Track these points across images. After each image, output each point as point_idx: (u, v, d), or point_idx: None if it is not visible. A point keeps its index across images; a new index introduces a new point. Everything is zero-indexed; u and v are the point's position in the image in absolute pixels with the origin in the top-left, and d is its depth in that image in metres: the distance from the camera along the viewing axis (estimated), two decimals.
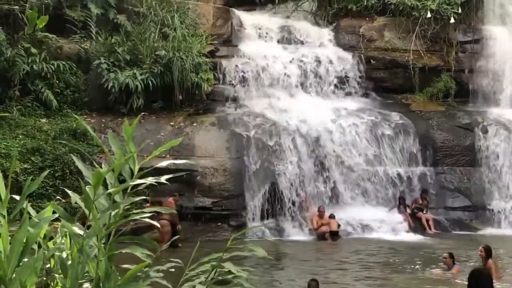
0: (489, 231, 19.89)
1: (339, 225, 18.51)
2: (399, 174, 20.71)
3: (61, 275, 3.70)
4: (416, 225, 19.63)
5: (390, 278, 13.46)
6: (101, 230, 3.59)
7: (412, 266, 14.58)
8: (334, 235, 18.20)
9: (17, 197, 3.71)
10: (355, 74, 23.15)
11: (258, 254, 3.94)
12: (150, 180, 3.70)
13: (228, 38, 23.00)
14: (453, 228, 19.95)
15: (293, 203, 19.24)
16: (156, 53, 20.35)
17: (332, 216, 18.55)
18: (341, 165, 20.25)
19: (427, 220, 19.63)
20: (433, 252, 16.12)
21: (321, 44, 23.82)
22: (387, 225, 19.22)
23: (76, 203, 3.69)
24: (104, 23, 21.07)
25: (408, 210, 19.98)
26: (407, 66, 23.23)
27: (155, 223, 4.35)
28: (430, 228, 19.47)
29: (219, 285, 3.78)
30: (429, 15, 23.23)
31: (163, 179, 3.79)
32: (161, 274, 3.85)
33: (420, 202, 20.06)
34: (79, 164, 3.79)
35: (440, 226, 19.84)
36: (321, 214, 18.66)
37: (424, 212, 19.93)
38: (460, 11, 23.49)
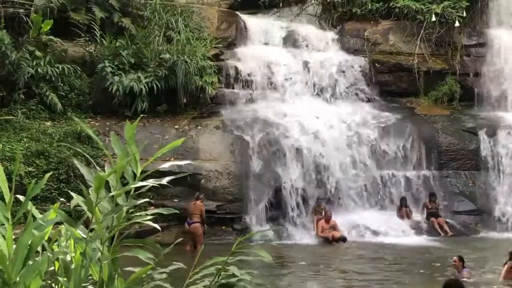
0: (494, 235, 19.81)
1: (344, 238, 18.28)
2: (403, 178, 20.65)
3: (65, 279, 3.69)
4: (426, 228, 19.53)
5: (400, 282, 13.41)
6: (104, 233, 3.58)
7: (422, 270, 14.52)
8: (342, 240, 18.03)
9: (22, 198, 3.71)
10: (359, 77, 23.13)
11: (263, 259, 3.93)
12: (152, 182, 3.69)
13: (232, 41, 23.04)
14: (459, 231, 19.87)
15: (297, 207, 19.19)
16: (161, 56, 20.38)
17: (334, 228, 18.44)
18: (345, 169, 20.20)
19: (440, 225, 19.50)
20: (442, 255, 16.04)
21: (325, 48, 23.81)
22: (393, 229, 19.15)
23: (79, 206, 3.69)
24: (108, 26, 21.11)
25: (422, 215, 19.91)
26: (411, 70, 23.21)
27: (156, 226, 4.32)
28: (446, 233, 19.29)
29: None
30: (434, 18, 23.22)
31: (165, 181, 3.78)
32: (164, 276, 3.84)
33: (430, 206, 19.95)
34: (81, 167, 3.78)
35: (455, 229, 19.71)
36: (327, 219, 18.55)
37: (440, 214, 19.83)
38: (465, 14, 23.47)
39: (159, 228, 4.46)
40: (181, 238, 14.07)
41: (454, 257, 13.65)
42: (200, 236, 16.73)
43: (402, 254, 16.58)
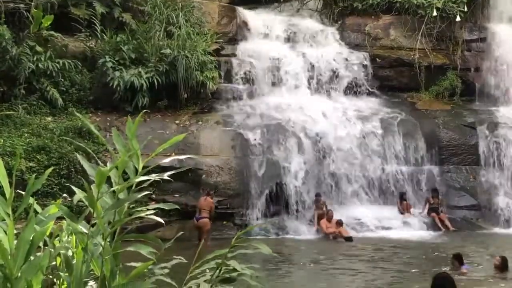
0: (495, 230, 19.82)
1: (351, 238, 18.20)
2: (404, 173, 20.64)
3: (67, 274, 3.69)
4: (427, 223, 19.54)
5: (399, 277, 13.41)
6: (106, 228, 3.58)
7: (421, 266, 14.52)
8: (348, 239, 17.94)
9: (23, 193, 3.71)
10: (360, 72, 23.10)
11: (263, 252, 3.93)
12: (153, 176, 3.69)
13: (233, 36, 23.01)
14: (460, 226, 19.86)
15: (298, 202, 19.20)
16: (161, 51, 20.35)
17: (340, 223, 18.36)
18: (346, 164, 20.20)
19: (441, 220, 19.50)
20: (442, 250, 16.05)
21: (326, 43, 23.78)
22: (394, 224, 19.16)
23: (81, 201, 3.69)
24: (109, 21, 21.09)
25: (424, 210, 19.93)
26: (412, 65, 23.19)
27: (159, 220, 4.32)
28: (447, 228, 19.30)
29: (224, 282, 3.77)
30: (435, 13, 23.17)
31: (166, 175, 3.78)
32: (166, 271, 3.84)
33: (432, 201, 19.92)
34: (84, 162, 3.78)
35: (456, 224, 19.70)
36: (329, 219, 18.49)
37: (441, 210, 19.79)
38: (466, 9, 23.43)
39: (163, 222, 4.47)
40: (182, 232, 14.11)
41: (452, 254, 13.71)
42: (207, 232, 16.81)
43: (402, 249, 16.56)
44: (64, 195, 14.44)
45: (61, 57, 19.84)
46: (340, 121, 21.12)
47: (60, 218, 3.91)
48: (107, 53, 20.12)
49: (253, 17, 23.88)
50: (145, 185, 3.74)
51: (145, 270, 3.79)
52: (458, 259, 13.41)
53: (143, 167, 3.71)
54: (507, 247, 16.49)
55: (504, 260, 13.05)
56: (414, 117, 21.80)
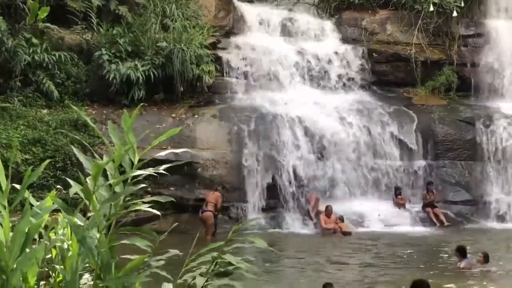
0: (489, 225, 19.88)
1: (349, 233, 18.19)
2: (400, 168, 20.68)
3: (62, 266, 3.70)
4: (422, 218, 19.59)
5: (396, 273, 13.46)
6: (102, 221, 3.59)
7: (417, 261, 14.58)
8: (346, 234, 17.92)
9: (18, 186, 3.71)
10: (356, 67, 23.09)
11: (258, 246, 3.95)
12: (149, 170, 3.69)
13: (230, 30, 22.96)
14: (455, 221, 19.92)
15: (294, 196, 19.22)
16: (157, 44, 20.30)
17: (341, 219, 18.33)
18: (341, 158, 20.22)
19: (436, 215, 19.53)
20: (436, 245, 16.11)
21: (323, 37, 23.76)
22: (389, 218, 19.21)
23: (76, 193, 3.69)
24: (105, 14, 21.01)
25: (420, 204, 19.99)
26: (409, 60, 23.19)
27: (157, 212, 4.32)
28: (442, 223, 19.34)
29: (220, 276, 3.78)
30: (431, 8, 23.17)
31: (162, 168, 3.79)
32: (162, 263, 3.85)
33: (428, 197, 19.91)
34: (79, 155, 3.78)
35: (451, 219, 19.76)
36: (328, 214, 18.45)
37: (435, 204, 19.82)
38: (462, 4, 23.41)
39: (159, 214, 4.48)
40: (176, 224, 14.13)
41: (454, 248, 13.83)
42: (211, 225, 16.87)
43: (397, 244, 16.62)
44: (58, 186, 14.42)
45: (57, 49, 19.77)
46: (336, 115, 21.12)
47: (55, 211, 3.92)
48: (103, 46, 20.06)
49: (250, 11, 23.83)
50: (141, 178, 3.75)
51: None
52: (460, 251, 13.51)
53: (139, 160, 3.72)
54: (501, 241, 16.57)
55: (485, 255, 13.43)
56: (410, 112, 21.81)
